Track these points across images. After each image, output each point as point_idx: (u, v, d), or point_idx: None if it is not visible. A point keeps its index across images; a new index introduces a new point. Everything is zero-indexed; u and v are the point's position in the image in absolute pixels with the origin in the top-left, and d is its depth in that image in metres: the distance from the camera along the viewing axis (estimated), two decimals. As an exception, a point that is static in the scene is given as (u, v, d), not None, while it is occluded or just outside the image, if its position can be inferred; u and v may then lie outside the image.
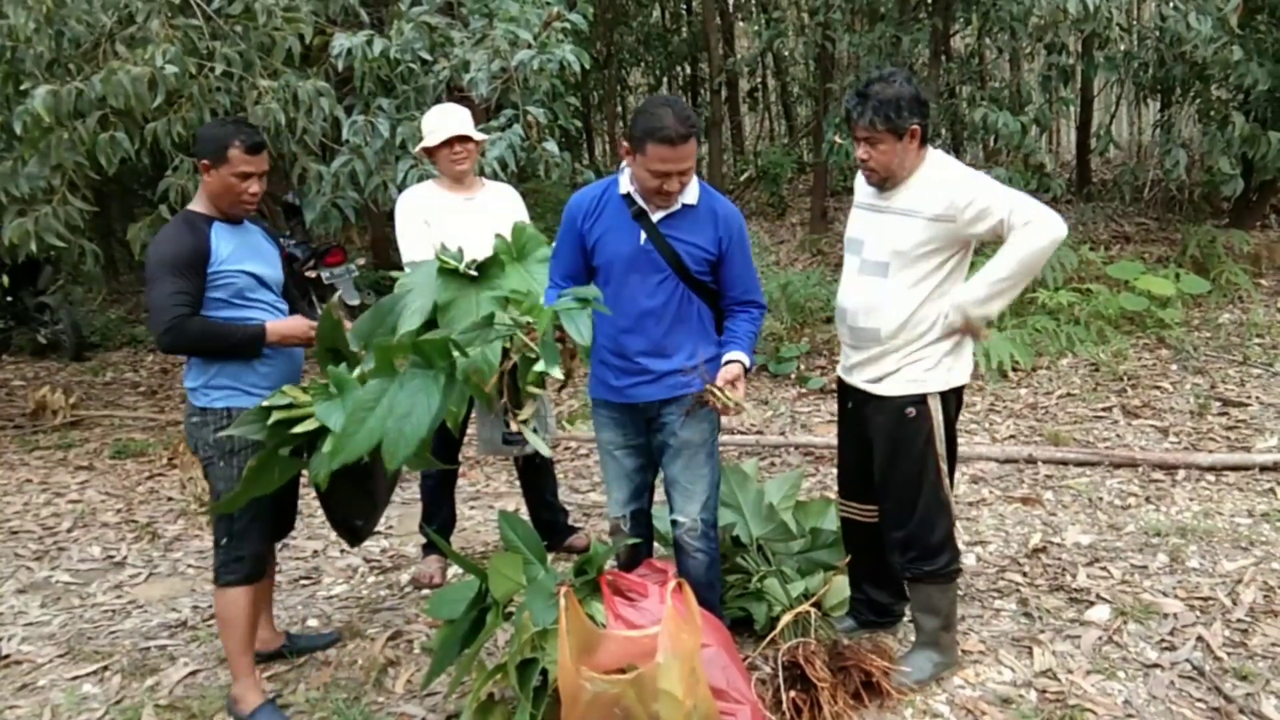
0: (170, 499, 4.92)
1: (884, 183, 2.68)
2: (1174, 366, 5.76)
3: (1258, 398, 5.11)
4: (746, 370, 2.74)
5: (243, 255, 2.70)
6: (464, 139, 3.43)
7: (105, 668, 3.27)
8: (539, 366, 2.42)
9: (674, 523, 2.92)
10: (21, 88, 4.90)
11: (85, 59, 5.00)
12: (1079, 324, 6.40)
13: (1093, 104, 9.73)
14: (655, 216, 2.67)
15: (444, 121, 3.47)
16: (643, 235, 2.68)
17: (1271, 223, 8.45)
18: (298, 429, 2.43)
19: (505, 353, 2.47)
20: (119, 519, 4.70)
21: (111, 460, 5.56)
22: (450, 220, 3.33)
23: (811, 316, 6.83)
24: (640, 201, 2.68)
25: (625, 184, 2.71)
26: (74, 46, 4.90)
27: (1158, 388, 5.42)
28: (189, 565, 4.13)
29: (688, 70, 12.99)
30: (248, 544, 2.75)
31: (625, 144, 2.65)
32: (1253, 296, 6.96)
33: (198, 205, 2.73)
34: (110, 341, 8.55)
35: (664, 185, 2.57)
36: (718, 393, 2.60)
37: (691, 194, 2.68)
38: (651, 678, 2.23)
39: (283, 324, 2.72)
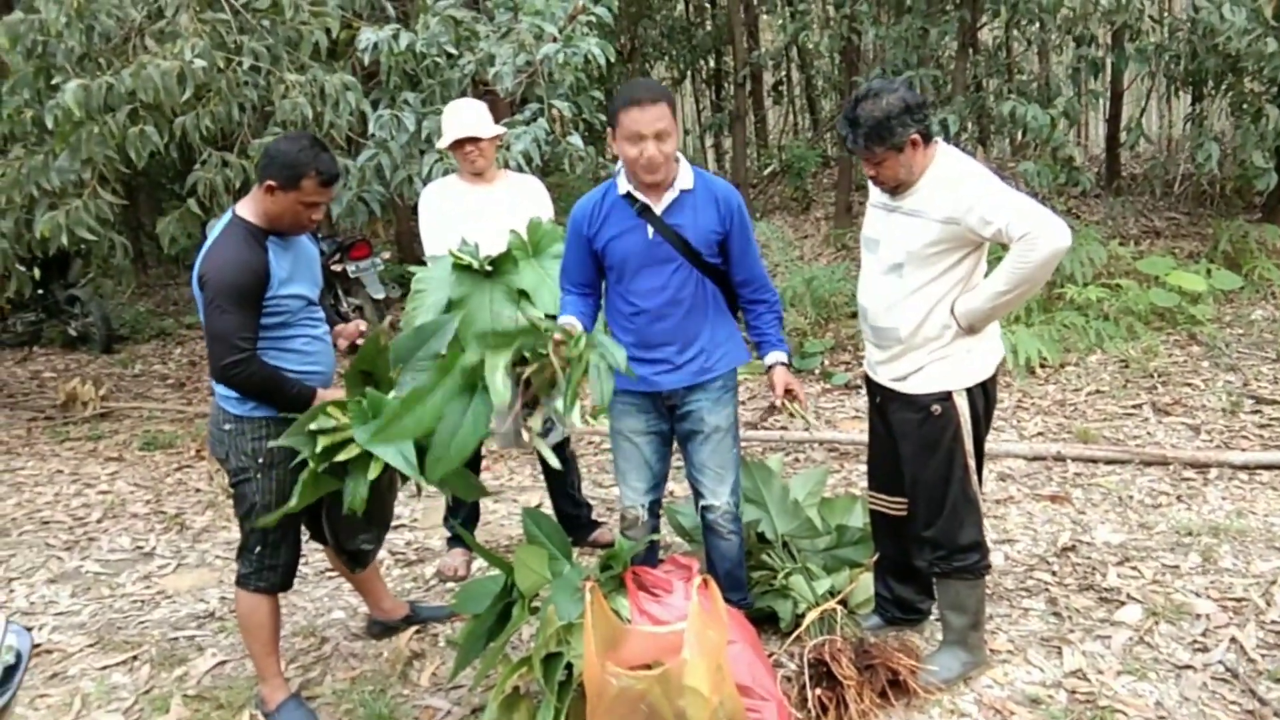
0: (198, 490, 4.97)
1: (897, 189, 2.66)
2: (1205, 363, 5.68)
3: (1292, 395, 5.02)
4: (788, 365, 2.82)
5: (296, 276, 2.63)
6: (474, 139, 3.42)
7: (135, 657, 3.30)
8: (557, 404, 2.40)
9: (706, 509, 2.93)
10: (52, 82, 4.96)
11: (115, 53, 5.05)
12: (1108, 320, 6.31)
13: (1122, 97, 9.60)
14: (658, 209, 2.69)
15: (451, 122, 3.45)
16: (650, 230, 2.70)
17: (1305, 217, 8.29)
18: (340, 456, 2.38)
19: (525, 359, 2.46)
20: (148, 510, 4.75)
21: (140, 451, 5.62)
22: (472, 213, 3.33)
23: (836, 312, 6.78)
24: (641, 197, 2.69)
25: (623, 184, 2.72)
26: (104, 41, 4.95)
27: (1189, 385, 5.35)
28: (217, 556, 4.17)
29: (712, 64, 12.93)
30: (282, 553, 2.74)
31: (609, 134, 2.67)
32: (1285, 292, 6.84)
33: (250, 214, 2.59)
34: (139, 334, 8.64)
35: (643, 152, 2.55)
36: (790, 406, 2.80)
37: (687, 179, 2.71)
38: (677, 674, 2.22)
39: (331, 393, 2.64)
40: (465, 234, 3.04)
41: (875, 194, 2.80)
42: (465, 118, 3.46)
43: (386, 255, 8.08)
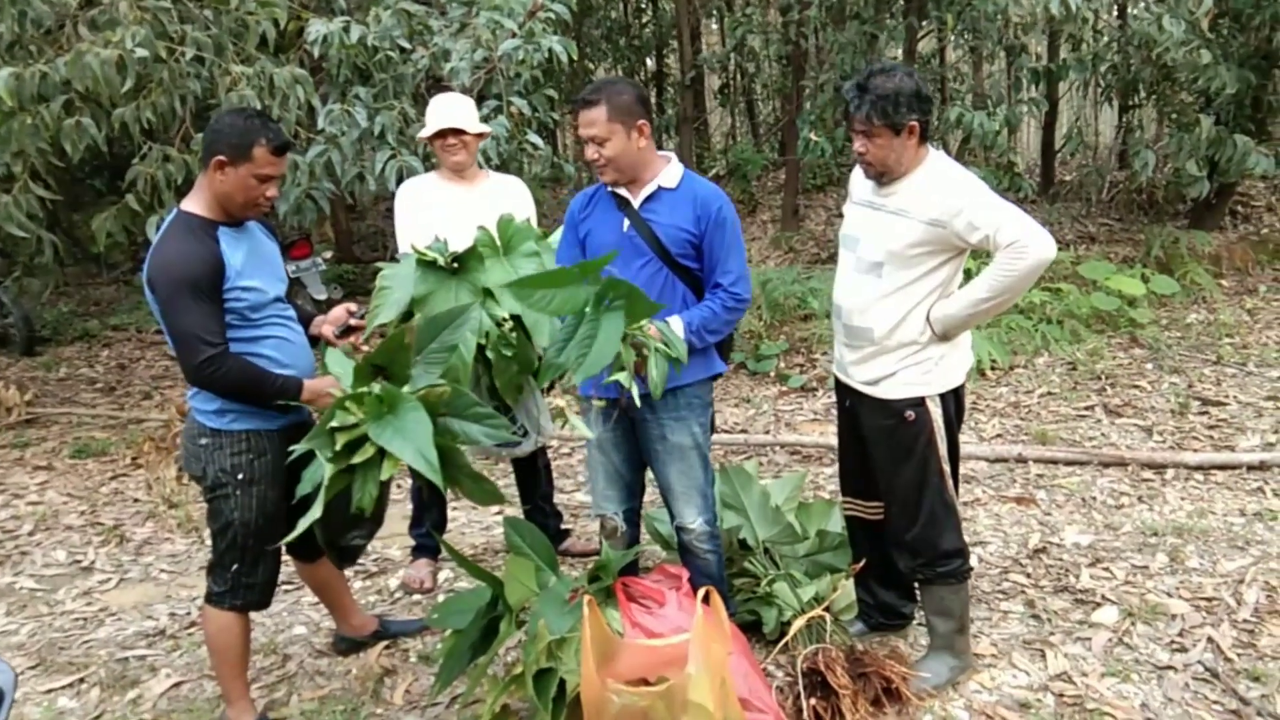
0: (136, 500, 4.73)
1: (881, 177, 2.63)
2: (1149, 366, 5.83)
3: (1235, 397, 5.17)
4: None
5: (254, 267, 2.47)
6: (457, 131, 3.32)
7: (82, 680, 3.11)
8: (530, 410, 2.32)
9: (679, 529, 2.86)
10: (-20, 70, 4.67)
11: (48, 40, 4.78)
12: (1052, 323, 6.45)
13: (1058, 105, 9.85)
14: (635, 202, 2.68)
15: (436, 112, 3.36)
16: (626, 222, 2.68)
17: (1228, 224, 8.61)
18: (358, 457, 2.24)
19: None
20: (83, 521, 4.50)
21: (71, 460, 5.34)
22: (450, 212, 3.22)
23: (789, 314, 6.79)
24: (622, 190, 2.70)
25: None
26: (36, 27, 4.68)
27: (1136, 387, 5.47)
28: (161, 570, 3.96)
29: (652, 66, 12.90)
30: (260, 571, 2.59)
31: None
32: (1215, 297, 7.07)
33: (196, 207, 2.44)
34: (62, 336, 8.24)
35: (586, 151, 2.63)
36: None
37: (672, 178, 2.69)
38: (682, 689, 2.16)
39: (319, 383, 2.52)
40: (441, 233, 2.93)
41: (858, 191, 2.77)
42: (451, 109, 3.36)
43: (328, 255, 7.85)
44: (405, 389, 2.28)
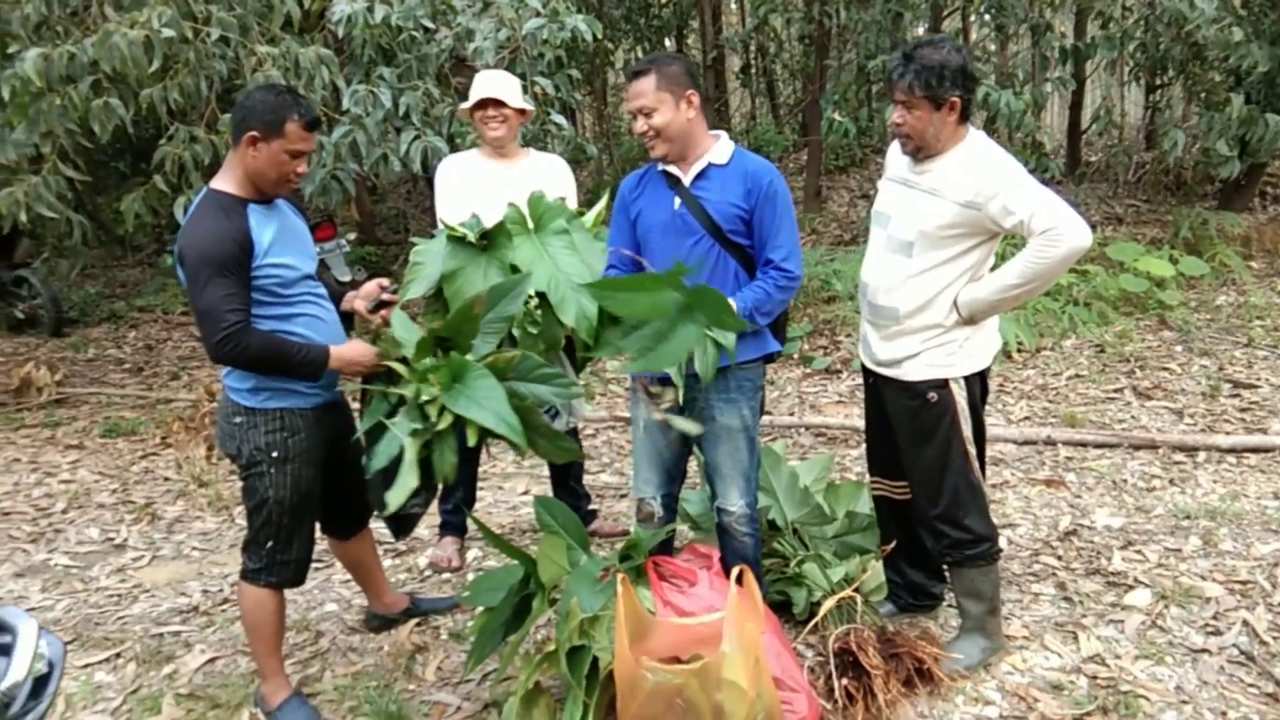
0: (167, 479, 4.77)
1: (916, 152, 2.59)
2: (1179, 348, 5.77)
3: (1267, 380, 5.11)
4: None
5: (283, 244, 2.47)
6: (498, 103, 3.30)
7: (118, 655, 3.15)
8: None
9: (720, 510, 2.85)
10: (8, 51, 4.69)
11: (74, 21, 4.79)
12: (1079, 305, 6.39)
13: (1084, 85, 9.72)
14: (686, 179, 2.67)
15: (479, 85, 3.35)
16: (677, 200, 2.67)
17: (1258, 205, 8.49)
18: (439, 425, 2.29)
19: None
20: (115, 500, 4.55)
21: (102, 439, 5.39)
22: (490, 189, 3.21)
23: (813, 296, 6.76)
24: (673, 169, 2.68)
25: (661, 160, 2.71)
26: (63, 8, 4.69)
27: (1165, 369, 5.42)
28: (193, 548, 4.00)
29: (672, 45, 12.82)
30: (295, 548, 2.61)
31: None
32: (1244, 279, 6.99)
33: (226, 184, 2.44)
34: (89, 317, 8.31)
35: (635, 126, 2.63)
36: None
37: (723, 154, 2.67)
38: (716, 667, 2.16)
39: (347, 351, 2.51)
40: (480, 210, 2.93)
41: (893, 168, 2.73)
42: (494, 81, 3.36)
43: (351, 237, 7.86)
44: (468, 358, 2.32)
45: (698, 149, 2.65)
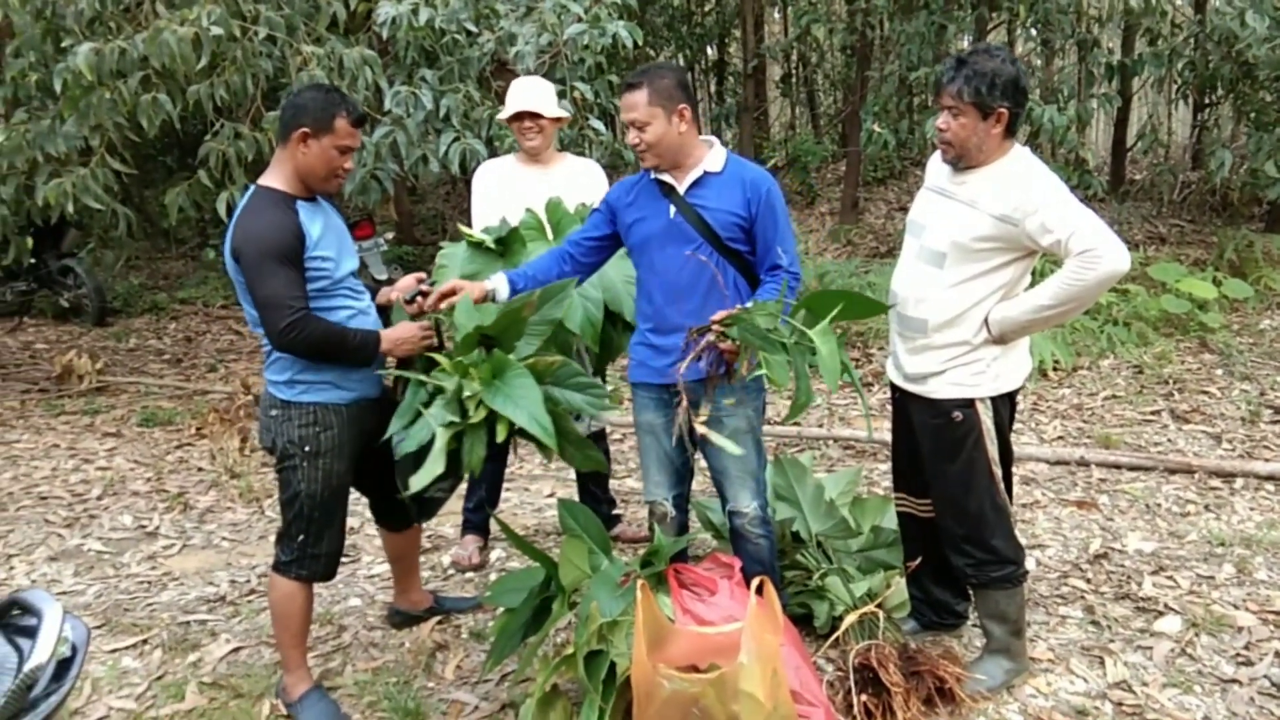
0: (200, 470, 4.85)
1: (957, 161, 2.56)
2: (1219, 371, 5.66)
3: (1310, 407, 5.01)
4: None
5: (329, 240, 2.52)
6: (535, 115, 3.33)
7: (145, 641, 3.20)
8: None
9: (731, 514, 2.85)
10: (61, 45, 4.80)
11: (126, 17, 4.89)
12: (1119, 325, 6.29)
13: (1130, 102, 9.58)
14: (681, 188, 2.67)
15: (515, 95, 3.38)
16: (672, 209, 2.67)
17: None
18: (473, 419, 2.34)
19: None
20: (149, 488, 4.62)
21: (139, 428, 5.49)
22: (524, 195, 3.24)
23: (847, 307, 6.71)
24: (666, 177, 2.69)
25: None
26: (116, 4, 4.79)
27: (1205, 393, 5.32)
28: (223, 538, 4.06)
29: (713, 54, 12.82)
30: (325, 542, 2.65)
31: None
32: (1291, 303, 6.85)
33: (274, 182, 2.50)
34: (132, 308, 8.46)
35: (628, 137, 2.64)
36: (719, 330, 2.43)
37: (715, 162, 2.68)
38: (734, 678, 2.15)
39: (396, 332, 2.57)
40: (515, 214, 2.96)
41: (932, 177, 2.71)
42: (529, 93, 3.38)
43: (390, 236, 7.94)
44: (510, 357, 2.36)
45: (690, 158, 2.66)
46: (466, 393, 2.34)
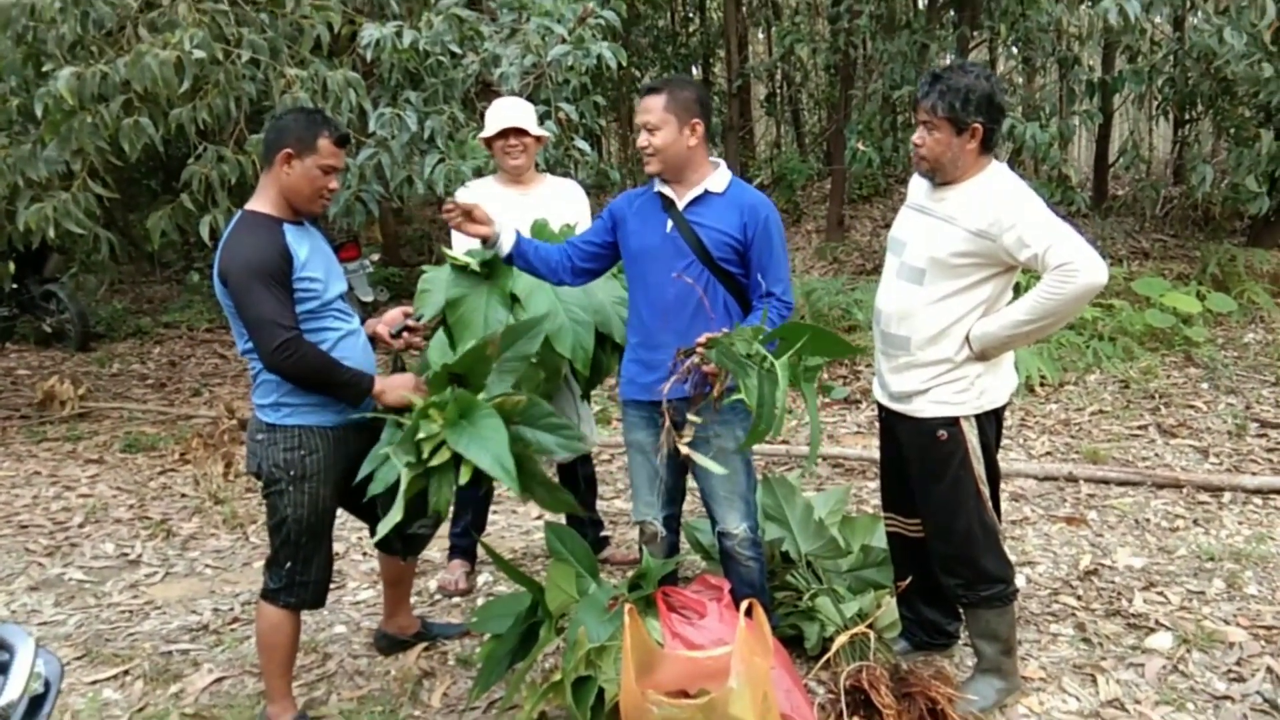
0: (183, 495, 4.79)
1: (932, 175, 2.57)
2: (1205, 385, 5.68)
3: (1295, 420, 5.03)
4: None
5: (318, 261, 2.51)
6: (519, 132, 3.33)
7: (126, 672, 3.15)
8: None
9: (721, 535, 2.83)
10: (42, 70, 4.78)
11: (108, 42, 4.87)
12: (1104, 339, 6.32)
13: (1112, 118, 9.66)
14: (680, 204, 2.68)
15: (499, 113, 3.38)
16: (669, 223, 2.68)
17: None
18: (434, 461, 2.30)
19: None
20: (132, 515, 4.57)
21: (122, 454, 5.43)
22: (506, 215, 3.23)
23: (834, 325, 6.73)
24: (668, 191, 2.70)
25: (659, 181, 2.75)
26: (97, 28, 4.77)
27: (1191, 407, 5.34)
28: (206, 565, 4.01)
29: (698, 74, 12.89)
30: (314, 570, 2.61)
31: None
32: (1273, 316, 6.89)
33: (260, 206, 2.50)
34: (115, 333, 8.41)
35: (639, 139, 2.66)
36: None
37: (719, 183, 2.69)
38: (723, 703, 2.13)
39: (394, 380, 2.56)
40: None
41: (913, 194, 2.71)
42: (513, 110, 3.39)
43: (375, 257, 7.92)
44: (480, 397, 2.32)
45: (695, 174, 2.68)
46: (422, 434, 2.30)
